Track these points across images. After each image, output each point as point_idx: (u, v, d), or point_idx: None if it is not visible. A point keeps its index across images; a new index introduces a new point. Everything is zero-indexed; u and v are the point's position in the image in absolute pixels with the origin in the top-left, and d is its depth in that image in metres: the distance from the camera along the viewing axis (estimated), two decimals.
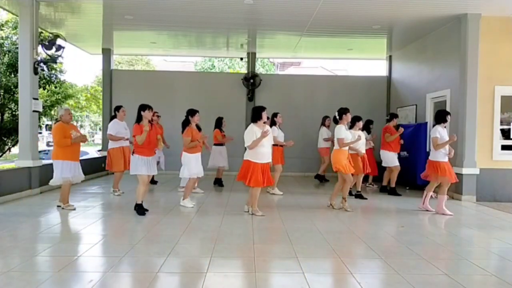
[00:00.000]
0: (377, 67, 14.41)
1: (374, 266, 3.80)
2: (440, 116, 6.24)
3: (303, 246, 4.31)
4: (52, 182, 5.88)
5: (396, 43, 10.16)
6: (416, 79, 9.72)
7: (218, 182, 8.84)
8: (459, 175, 7.45)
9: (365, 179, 9.07)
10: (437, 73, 8.61)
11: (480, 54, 7.41)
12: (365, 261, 3.94)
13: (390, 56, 11.53)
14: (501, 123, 7.63)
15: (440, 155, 6.13)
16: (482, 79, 7.44)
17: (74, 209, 5.99)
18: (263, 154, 5.58)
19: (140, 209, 5.73)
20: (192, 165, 6.24)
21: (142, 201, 5.76)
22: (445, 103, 8.19)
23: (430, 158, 6.31)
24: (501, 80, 7.54)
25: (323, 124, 9.67)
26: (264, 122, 5.73)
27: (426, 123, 8.72)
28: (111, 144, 7.23)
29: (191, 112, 6.37)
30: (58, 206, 6.10)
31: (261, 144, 5.51)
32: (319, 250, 4.20)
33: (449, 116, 6.29)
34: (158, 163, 8.33)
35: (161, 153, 8.47)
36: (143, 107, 5.68)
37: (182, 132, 6.31)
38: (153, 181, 8.83)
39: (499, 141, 7.58)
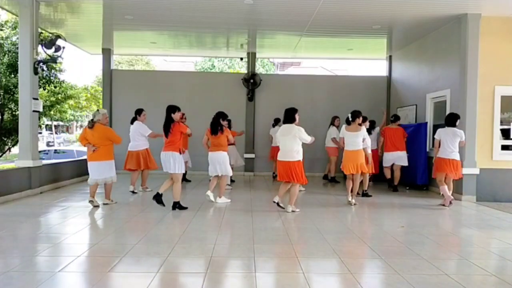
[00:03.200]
0: (377, 67, 14.41)
1: (374, 266, 3.80)
2: (451, 121, 6.68)
3: (303, 246, 4.32)
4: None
5: (396, 43, 10.16)
6: (416, 79, 9.72)
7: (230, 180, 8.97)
8: None
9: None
10: (437, 73, 8.61)
11: (480, 54, 7.40)
12: (365, 261, 3.94)
13: (390, 56, 11.52)
14: (501, 123, 7.62)
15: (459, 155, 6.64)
16: (482, 79, 7.44)
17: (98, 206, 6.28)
18: None
19: (180, 206, 6.07)
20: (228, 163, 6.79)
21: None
22: (445, 103, 8.18)
23: (456, 158, 6.60)
24: (501, 80, 7.54)
25: (332, 124, 9.66)
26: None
27: (426, 123, 8.72)
28: (131, 147, 7.55)
29: (223, 115, 6.74)
30: (90, 201, 6.30)
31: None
32: (319, 250, 4.20)
33: (458, 121, 6.71)
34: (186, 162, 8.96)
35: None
36: (173, 109, 5.94)
37: (212, 133, 6.64)
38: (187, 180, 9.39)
39: (499, 141, 7.58)
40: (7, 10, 8.38)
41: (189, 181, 9.40)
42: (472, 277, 3.49)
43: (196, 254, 4.05)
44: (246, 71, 11.79)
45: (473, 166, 7.39)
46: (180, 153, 5.92)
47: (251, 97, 11.37)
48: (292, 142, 5.78)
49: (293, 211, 6.01)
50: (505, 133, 7.65)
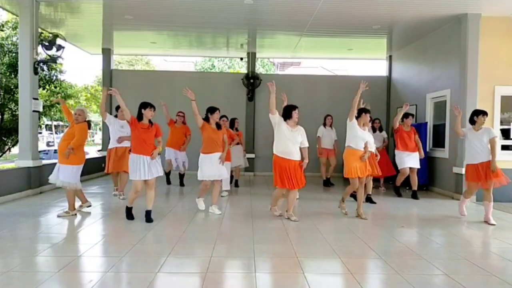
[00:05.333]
0: (377, 67, 14.42)
1: (374, 266, 3.80)
2: (470, 117, 5.92)
3: (303, 246, 4.32)
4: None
5: (396, 43, 10.16)
6: (416, 79, 9.72)
7: (235, 182, 8.75)
8: (459, 175, 7.46)
9: (377, 180, 8.81)
10: (437, 73, 8.61)
11: (480, 54, 7.40)
12: (365, 261, 3.94)
13: (390, 56, 11.53)
14: (501, 123, 7.62)
15: (467, 158, 5.86)
16: (482, 79, 7.44)
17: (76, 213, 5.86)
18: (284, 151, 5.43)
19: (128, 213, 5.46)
20: (204, 167, 5.93)
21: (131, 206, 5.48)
22: (445, 103, 8.19)
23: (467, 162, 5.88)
24: (501, 80, 7.54)
25: (324, 123, 9.45)
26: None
27: (426, 123, 8.72)
28: (110, 145, 7.07)
29: (211, 110, 6.10)
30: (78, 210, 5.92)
31: (285, 138, 5.45)
32: (319, 250, 4.20)
33: (479, 117, 5.74)
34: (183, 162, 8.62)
35: (179, 153, 8.55)
36: (144, 105, 5.41)
37: None
38: (181, 183, 8.79)
39: (499, 141, 7.56)
40: (7, 10, 8.38)
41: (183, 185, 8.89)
42: (472, 277, 3.49)
43: (196, 254, 4.05)
44: (246, 71, 11.80)
45: None
46: (129, 152, 5.32)
47: (251, 97, 11.37)
48: None
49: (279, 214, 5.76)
50: (505, 133, 7.65)
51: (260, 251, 4.08)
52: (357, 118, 6.01)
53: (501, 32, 7.54)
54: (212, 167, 5.90)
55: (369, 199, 6.99)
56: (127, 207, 5.48)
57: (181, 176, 8.85)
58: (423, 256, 3.99)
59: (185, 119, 8.62)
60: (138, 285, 3.24)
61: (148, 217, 5.33)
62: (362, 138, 5.86)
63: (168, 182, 8.90)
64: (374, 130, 8.40)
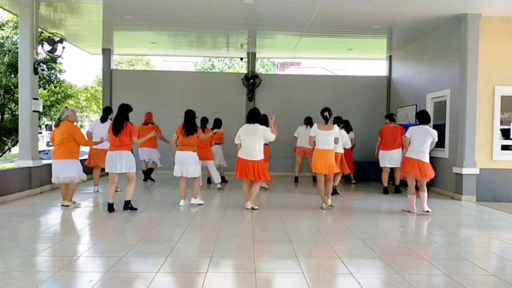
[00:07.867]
0: (377, 67, 14.40)
1: (374, 266, 3.80)
2: (425, 118, 6.29)
3: (303, 246, 4.32)
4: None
5: (396, 43, 10.16)
6: (416, 79, 9.72)
7: (222, 179, 8.94)
8: (459, 175, 7.47)
9: (348, 178, 9.40)
10: (437, 73, 8.61)
11: (480, 54, 7.40)
12: (365, 261, 3.94)
13: (390, 56, 11.52)
14: (501, 123, 7.62)
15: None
16: (482, 79, 7.44)
17: (71, 206, 6.13)
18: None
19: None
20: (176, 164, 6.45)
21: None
22: (445, 103, 8.19)
23: (424, 159, 6.16)
24: (501, 80, 7.54)
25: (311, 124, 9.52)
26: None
27: None
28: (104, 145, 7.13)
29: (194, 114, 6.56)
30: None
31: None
32: (319, 250, 4.20)
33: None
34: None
35: (154, 150, 9.05)
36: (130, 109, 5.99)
37: (189, 133, 6.41)
38: (151, 178, 9.36)
39: (499, 141, 7.58)
40: (7, 10, 8.38)
41: (153, 180, 9.41)
42: (472, 277, 3.49)
43: (196, 254, 4.05)
44: (246, 71, 11.80)
45: (473, 166, 7.39)
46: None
47: (251, 97, 11.37)
48: (258, 142, 6.07)
49: (253, 208, 6.21)
50: (505, 133, 7.65)
51: (260, 251, 4.08)
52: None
53: (501, 32, 7.54)
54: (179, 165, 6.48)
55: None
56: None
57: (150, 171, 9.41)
58: (423, 256, 3.99)
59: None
60: (138, 285, 3.24)
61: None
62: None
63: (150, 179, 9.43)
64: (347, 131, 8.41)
